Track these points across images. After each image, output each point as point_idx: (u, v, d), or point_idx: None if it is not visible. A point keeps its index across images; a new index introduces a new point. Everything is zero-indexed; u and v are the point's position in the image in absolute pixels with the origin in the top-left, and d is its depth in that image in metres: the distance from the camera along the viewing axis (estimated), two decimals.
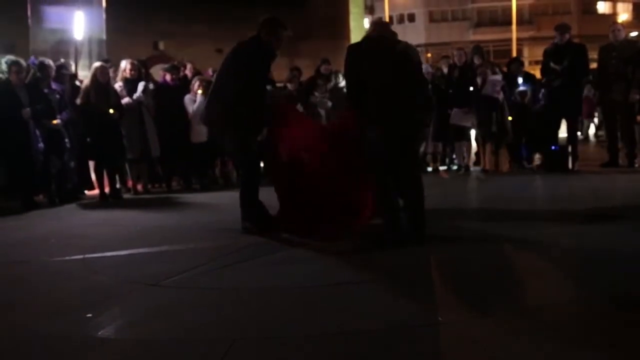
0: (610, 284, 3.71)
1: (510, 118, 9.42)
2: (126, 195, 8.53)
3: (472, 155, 10.19)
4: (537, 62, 11.12)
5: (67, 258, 4.93)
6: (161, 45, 18.23)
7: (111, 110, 8.08)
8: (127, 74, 8.72)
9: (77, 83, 8.92)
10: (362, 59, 5.00)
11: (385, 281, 4.01)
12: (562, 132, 9.58)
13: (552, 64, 9.06)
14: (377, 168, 4.96)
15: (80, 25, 11.12)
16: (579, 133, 14.34)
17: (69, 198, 8.04)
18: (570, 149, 9.19)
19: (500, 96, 9.30)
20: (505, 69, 10.29)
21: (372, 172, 5.01)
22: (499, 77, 9.46)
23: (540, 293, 3.63)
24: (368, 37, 5.32)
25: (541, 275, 4.04)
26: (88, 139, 8.24)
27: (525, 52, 38.04)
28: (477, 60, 9.91)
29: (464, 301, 3.50)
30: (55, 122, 7.72)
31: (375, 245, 4.81)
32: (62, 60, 8.87)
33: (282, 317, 3.37)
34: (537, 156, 9.72)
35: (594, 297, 3.53)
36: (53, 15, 11.25)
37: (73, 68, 9.67)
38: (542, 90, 9.55)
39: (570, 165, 9.04)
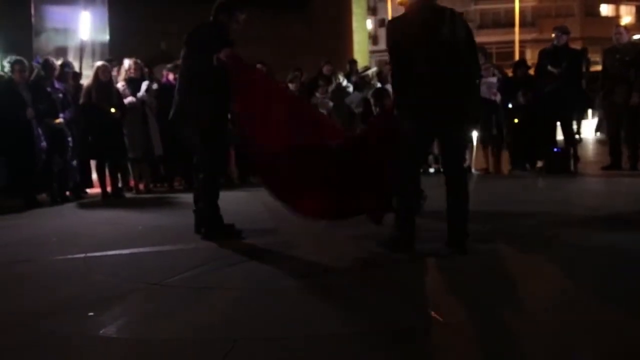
0: (610, 284, 3.72)
1: (516, 120, 9.40)
2: (128, 195, 8.55)
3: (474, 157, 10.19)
4: None
5: (69, 257, 4.94)
6: (164, 45, 18.22)
7: (113, 109, 8.10)
8: (131, 73, 8.74)
9: (82, 82, 8.94)
10: (401, 42, 4.55)
11: (386, 282, 4.01)
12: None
13: (550, 67, 9.05)
14: (410, 163, 4.67)
15: (86, 26, 11.18)
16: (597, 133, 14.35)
17: (71, 197, 8.06)
18: (571, 151, 9.19)
19: (497, 98, 9.29)
20: (509, 71, 10.28)
21: (402, 165, 4.65)
22: (494, 79, 9.45)
23: (540, 293, 3.64)
24: (407, 15, 4.72)
25: (541, 276, 4.04)
26: (90, 138, 8.26)
27: (528, 54, 37.92)
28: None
29: (464, 301, 3.51)
30: (58, 121, 7.74)
31: (378, 245, 4.78)
32: (62, 59, 8.88)
33: (283, 317, 3.38)
34: None
35: (594, 297, 3.53)
36: (56, 15, 11.27)
37: (77, 67, 9.69)
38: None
39: (571, 168, 9.05)
